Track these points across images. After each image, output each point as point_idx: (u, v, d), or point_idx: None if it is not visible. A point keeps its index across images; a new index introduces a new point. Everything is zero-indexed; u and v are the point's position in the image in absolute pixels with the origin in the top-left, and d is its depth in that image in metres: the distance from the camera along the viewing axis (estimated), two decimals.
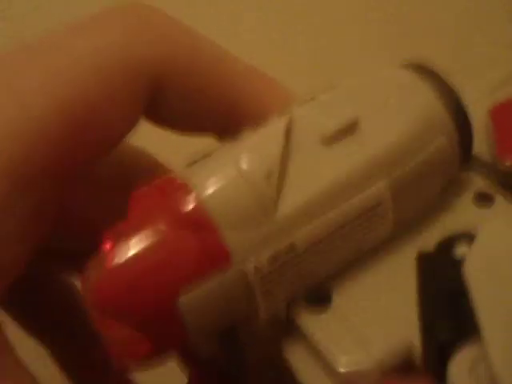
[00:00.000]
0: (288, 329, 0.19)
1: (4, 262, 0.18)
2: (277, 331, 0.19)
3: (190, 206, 0.17)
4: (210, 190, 0.17)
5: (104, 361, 0.24)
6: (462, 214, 0.20)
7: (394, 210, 0.19)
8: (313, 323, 0.19)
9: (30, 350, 0.20)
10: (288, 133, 0.19)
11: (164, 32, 0.20)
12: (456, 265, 0.18)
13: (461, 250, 0.19)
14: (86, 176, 0.20)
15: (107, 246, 0.17)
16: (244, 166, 0.18)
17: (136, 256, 0.17)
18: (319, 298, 0.19)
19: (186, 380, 0.22)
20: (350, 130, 0.19)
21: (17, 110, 0.18)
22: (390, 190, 0.19)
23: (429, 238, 0.20)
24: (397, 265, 0.19)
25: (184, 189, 0.18)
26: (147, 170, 0.23)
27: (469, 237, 0.19)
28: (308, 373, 0.18)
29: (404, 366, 0.18)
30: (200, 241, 0.17)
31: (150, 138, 0.24)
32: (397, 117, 0.19)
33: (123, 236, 0.17)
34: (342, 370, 0.18)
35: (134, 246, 0.17)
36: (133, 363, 0.18)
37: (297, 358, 0.19)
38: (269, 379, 0.21)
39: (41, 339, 0.25)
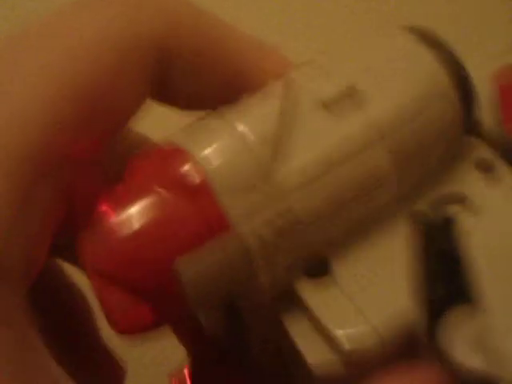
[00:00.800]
0: (288, 300, 0.19)
1: (31, 253, 0.18)
2: (277, 302, 0.19)
3: (187, 171, 0.17)
4: (207, 155, 0.17)
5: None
6: (463, 179, 0.20)
7: (394, 175, 0.19)
8: (311, 291, 0.18)
9: None
10: (286, 96, 0.18)
11: (166, 6, 0.20)
12: (449, 224, 0.17)
13: (454, 209, 0.19)
14: (94, 164, 0.20)
15: (103, 207, 0.17)
16: (241, 130, 0.18)
17: (133, 219, 0.17)
18: (317, 266, 0.19)
19: (185, 357, 0.22)
20: (349, 94, 0.18)
21: (29, 94, 0.18)
22: (391, 155, 0.19)
23: (427, 203, 0.19)
24: (397, 232, 0.19)
25: (181, 154, 0.17)
26: None
27: (463, 198, 0.19)
28: (307, 342, 0.18)
29: (405, 337, 0.18)
30: (197, 206, 0.17)
31: (155, 126, 0.24)
32: (397, 81, 0.19)
33: (121, 200, 0.17)
34: (339, 335, 0.18)
35: (131, 210, 0.17)
36: (128, 330, 0.17)
37: (296, 328, 0.19)
38: (271, 354, 0.20)
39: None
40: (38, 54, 0.18)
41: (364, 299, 0.18)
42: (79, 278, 0.24)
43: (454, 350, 0.16)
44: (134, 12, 0.19)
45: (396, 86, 0.19)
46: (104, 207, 0.17)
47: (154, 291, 0.17)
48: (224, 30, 0.21)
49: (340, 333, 0.18)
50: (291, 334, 0.19)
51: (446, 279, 0.17)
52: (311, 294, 0.18)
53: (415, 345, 0.18)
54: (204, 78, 0.20)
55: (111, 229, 0.17)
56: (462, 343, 0.16)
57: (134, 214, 0.17)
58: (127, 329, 0.17)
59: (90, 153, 0.19)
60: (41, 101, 0.17)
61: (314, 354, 0.18)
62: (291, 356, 0.19)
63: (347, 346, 0.17)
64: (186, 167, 0.17)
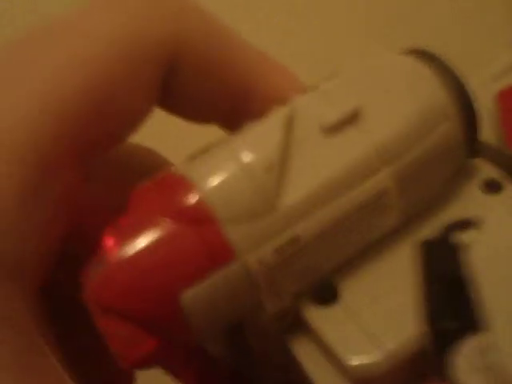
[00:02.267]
0: (295, 325, 0.19)
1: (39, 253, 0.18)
2: (284, 327, 0.19)
3: (191, 202, 0.17)
4: (211, 185, 0.17)
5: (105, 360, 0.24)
6: (470, 201, 0.20)
7: (399, 200, 0.19)
8: (320, 319, 0.18)
9: None
10: (289, 123, 0.18)
11: (177, 11, 0.20)
12: (458, 251, 0.17)
13: (464, 236, 0.18)
14: (94, 172, 0.20)
15: (109, 242, 0.17)
16: (244, 158, 0.17)
17: (138, 253, 0.17)
18: (326, 293, 0.19)
19: None
20: (351, 119, 0.18)
21: (44, 88, 0.17)
22: (395, 180, 0.18)
23: (436, 228, 0.19)
24: (404, 256, 0.19)
25: (184, 183, 0.17)
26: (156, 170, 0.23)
27: (472, 223, 0.19)
28: (317, 369, 0.18)
29: (417, 360, 0.18)
30: (202, 236, 0.17)
31: (158, 137, 0.23)
32: (400, 104, 0.19)
33: (124, 233, 0.17)
34: (352, 363, 0.17)
35: (135, 244, 0.17)
36: (136, 362, 0.17)
37: (305, 355, 0.19)
38: (278, 377, 0.20)
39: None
40: (47, 56, 0.18)
41: (374, 324, 0.18)
42: None
43: (462, 376, 0.16)
44: (144, 16, 0.19)
45: (399, 109, 0.19)
46: (107, 241, 0.17)
47: (159, 323, 0.17)
48: (234, 40, 0.21)
49: (350, 360, 0.17)
50: (301, 361, 0.18)
51: (454, 308, 0.17)
52: (320, 320, 0.18)
53: (424, 369, 0.17)
54: (210, 87, 0.20)
55: (115, 262, 0.17)
56: (470, 370, 0.16)
57: (137, 246, 0.17)
58: (135, 362, 0.17)
59: (94, 156, 0.19)
60: (47, 102, 0.17)
61: (323, 378, 0.18)
62: (300, 382, 0.19)
63: (357, 370, 0.17)
64: (190, 197, 0.17)
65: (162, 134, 0.25)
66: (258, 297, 0.18)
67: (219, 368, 0.21)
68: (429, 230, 0.19)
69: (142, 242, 0.17)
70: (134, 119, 0.20)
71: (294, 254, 0.18)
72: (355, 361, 0.17)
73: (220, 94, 0.20)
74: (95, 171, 0.20)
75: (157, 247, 0.17)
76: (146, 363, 0.17)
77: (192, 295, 0.17)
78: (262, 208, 0.17)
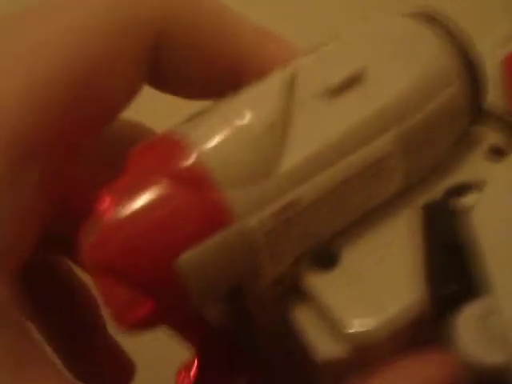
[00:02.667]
0: (293, 290, 0.19)
1: (19, 237, 0.17)
2: (281, 293, 0.19)
3: (189, 163, 0.17)
4: (209, 146, 0.17)
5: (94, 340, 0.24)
6: (474, 167, 0.20)
7: (401, 165, 0.18)
8: (320, 283, 0.18)
9: None
10: (290, 84, 0.18)
11: None
12: (459, 215, 0.17)
13: (466, 200, 0.18)
14: (86, 151, 0.20)
15: (105, 202, 0.17)
16: (245, 119, 0.17)
17: (134, 214, 0.16)
18: (326, 257, 0.18)
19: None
20: (354, 81, 0.18)
21: (17, 75, 0.17)
22: (397, 144, 0.18)
23: (438, 193, 0.19)
24: (405, 221, 0.19)
25: (182, 145, 0.17)
26: None
27: (474, 187, 0.18)
28: (315, 335, 0.18)
29: (417, 326, 0.18)
30: (200, 198, 0.16)
31: (149, 112, 0.23)
32: (404, 66, 0.18)
33: (121, 193, 0.17)
34: (351, 328, 0.17)
35: (132, 204, 0.17)
36: (132, 325, 0.17)
37: (303, 321, 0.18)
38: (278, 346, 0.20)
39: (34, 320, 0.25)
40: (29, 35, 0.18)
41: (373, 289, 0.18)
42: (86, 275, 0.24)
43: (464, 342, 0.16)
44: None
45: (402, 72, 0.18)
46: (105, 202, 0.17)
47: (155, 285, 0.17)
48: (224, 14, 0.20)
49: (349, 321, 0.17)
50: (298, 324, 0.18)
51: (455, 273, 0.17)
52: (319, 285, 0.18)
53: (424, 336, 0.17)
54: (203, 63, 0.20)
55: (112, 222, 0.17)
56: (472, 334, 0.16)
57: (135, 207, 0.17)
58: (131, 324, 0.17)
59: (83, 137, 0.19)
60: (30, 82, 0.17)
61: (322, 343, 0.18)
62: (298, 348, 0.19)
63: (356, 336, 0.17)
64: (188, 159, 0.17)
65: (153, 108, 0.24)
66: (256, 261, 0.17)
67: (218, 336, 0.20)
68: (431, 195, 0.19)
69: (139, 201, 0.17)
70: (122, 98, 0.19)
71: (294, 218, 0.17)
72: (355, 326, 0.17)
73: (212, 68, 0.20)
74: (85, 148, 0.20)
75: (154, 208, 0.16)
76: (142, 326, 0.17)
77: (189, 258, 0.16)
78: (262, 170, 0.17)
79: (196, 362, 0.21)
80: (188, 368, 0.21)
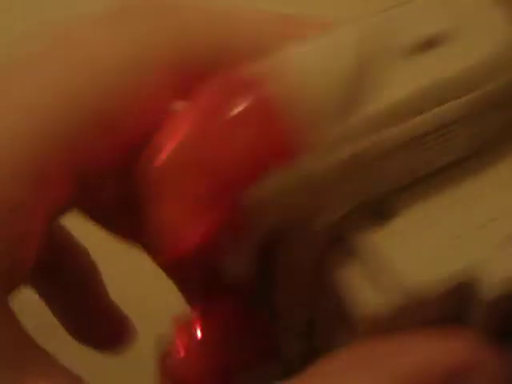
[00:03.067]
0: (337, 243, 0.19)
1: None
2: (328, 243, 0.19)
3: (267, 93, 0.17)
4: (289, 80, 0.17)
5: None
6: None
7: (470, 129, 0.19)
8: (375, 236, 0.18)
9: None
10: (372, 37, 0.18)
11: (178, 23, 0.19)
12: None
13: None
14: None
15: (172, 126, 0.17)
16: (325, 60, 0.17)
17: (201, 141, 0.17)
18: (382, 211, 0.19)
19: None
20: (434, 42, 0.18)
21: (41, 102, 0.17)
22: (469, 109, 0.18)
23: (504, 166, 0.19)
24: (470, 189, 0.19)
25: (261, 77, 0.17)
26: None
27: None
28: (363, 287, 0.18)
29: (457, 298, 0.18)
30: (273, 130, 0.16)
31: None
32: (487, 31, 0.18)
33: (189, 116, 0.17)
34: (406, 282, 0.17)
35: (202, 127, 0.17)
36: (183, 250, 0.17)
37: (349, 273, 0.18)
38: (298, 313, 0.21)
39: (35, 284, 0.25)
40: (47, 67, 0.18)
41: (429, 248, 0.18)
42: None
43: None
44: (148, 39, 0.19)
45: (486, 37, 0.18)
46: (169, 127, 0.17)
47: (214, 211, 0.16)
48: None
49: (406, 273, 0.17)
50: (342, 278, 0.18)
51: None
52: (375, 236, 0.18)
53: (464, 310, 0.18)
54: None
55: (181, 141, 0.17)
56: None
57: (202, 135, 0.17)
58: (181, 251, 0.17)
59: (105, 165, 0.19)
60: (47, 111, 0.17)
61: (371, 296, 0.18)
62: (334, 306, 0.19)
63: (412, 288, 0.17)
64: (268, 88, 0.17)
65: None
66: (317, 203, 0.17)
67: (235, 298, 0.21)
68: (496, 167, 0.19)
69: (210, 127, 0.17)
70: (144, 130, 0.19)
71: (362, 166, 0.17)
72: (411, 278, 0.17)
73: None
74: None
75: (224, 133, 0.16)
76: (190, 253, 0.17)
77: (254, 189, 0.16)
78: (339, 112, 0.17)
79: (200, 321, 0.21)
80: (189, 327, 0.21)
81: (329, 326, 0.19)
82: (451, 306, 0.18)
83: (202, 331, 0.21)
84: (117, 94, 0.18)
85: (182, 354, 0.21)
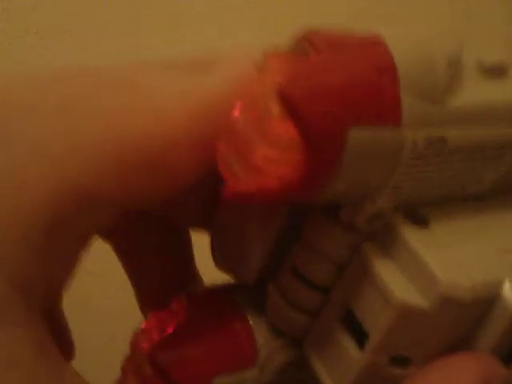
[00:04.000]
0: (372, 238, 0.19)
1: None
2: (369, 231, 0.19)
3: (381, 53, 0.17)
4: (403, 48, 0.17)
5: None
6: None
7: None
8: (413, 236, 0.18)
9: None
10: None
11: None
12: None
13: None
14: None
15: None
16: (433, 45, 0.18)
17: (325, 73, 0.16)
18: (420, 216, 0.19)
19: None
20: (499, 70, 0.19)
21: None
22: None
23: None
24: (502, 217, 0.20)
25: (378, 40, 0.17)
26: None
27: None
28: (396, 281, 0.18)
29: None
30: (382, 86, 0.17)
31: None
32: None
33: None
34: (440, 285, 0.17)
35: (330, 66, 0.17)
36: (280, 184, 0.16)
37: (380, 267, 0.18)
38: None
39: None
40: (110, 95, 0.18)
41: (462, 256, 0.18)
42: None
43: None
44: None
45: None
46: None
47: (321, 143, 0.16)
48: None
49: (440, 276, 0.17)
50: (376, 266, 0.18)
51: None
52: (411, 234, 0.18)
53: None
54: None
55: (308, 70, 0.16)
56: None
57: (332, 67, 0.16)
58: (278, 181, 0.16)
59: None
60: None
61: (401, 290, 0.18)
62: (361, 292, 0.18)
63: (442, 288, 0.17)
64: (380, 49, 0.17)
65: None
66: (389, 175, 0.17)
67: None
68: None
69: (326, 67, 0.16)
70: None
71: (435, 156, 0.18)
72: (445, 276, 0.17)
73: None
74: None
75: (341, 75, 0.16)
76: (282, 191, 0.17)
77: (359, 134, 0.16)
78: (435, 94, 0.17)
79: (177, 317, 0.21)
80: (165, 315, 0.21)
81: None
82: (474, 317, 0.18)
83: (178, 322, 0.21)
84: (177, 141, 0.18)
85: (156, 338, 0.20)
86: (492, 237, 0.19)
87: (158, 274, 0.25)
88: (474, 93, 0.18)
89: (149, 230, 0.24)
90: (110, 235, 0.24)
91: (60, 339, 0.24)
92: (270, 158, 0.16)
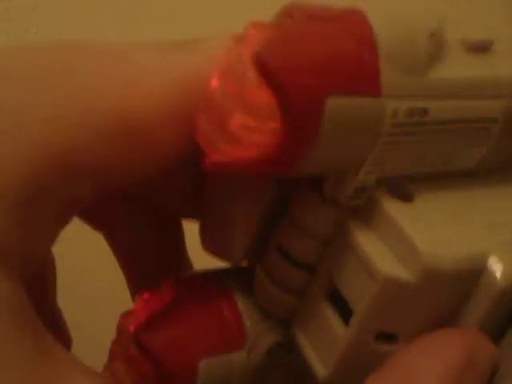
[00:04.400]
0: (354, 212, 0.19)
1: None
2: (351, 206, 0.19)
3: (359, 23, 0.17)
4: (384, 20, 0.17)
5: None
6: None
7: (499, 135, 0.19)
8: (396, 210, 0.18)
9: None
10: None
11: None
12: None
13: None
14: None
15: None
16: (414, 19, 0.18)
17: (310, 39, 0.16)
18: (403, 190, 0.19)
19: None
20: (487, 46, 0.19)
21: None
22: (505, 111, 0.19)
23: None
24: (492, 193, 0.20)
25: (357, 13, 0.17)
26: None
27: None
28: (380, 255, 0.18)
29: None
30: (361, 54, 0.16)
31: None
32: None
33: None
34: (423, 255, 0.17)
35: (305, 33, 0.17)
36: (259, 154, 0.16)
37: (363, 240, 0.18)
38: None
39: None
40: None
41: (446, 230, 0.18)
42: None
43: None
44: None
45: None
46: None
47: (300, 111, 0.16)
48: None
49: (424, 248, 0.17)
50: (359, 241, 0.18)
51: None
52: (394, 208, 0.18)
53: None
54: None
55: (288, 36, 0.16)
56: None
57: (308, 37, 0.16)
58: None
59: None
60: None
61: (384, 263, 0.17)
62: (345, 267, 0.18)
63: (424, 259, 0.17)
64: (359, 20, 0.17)
65: None
66: (370, 146, 0.17)
67: None
68: None
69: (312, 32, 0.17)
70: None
71: (416, 126, 0.18)
72: (429, 253, 0.17)
73: None
74: None
75: (323, 42, 0.16)
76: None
77: (337, 101, 0.16)
78: (415, 66, 0.17)
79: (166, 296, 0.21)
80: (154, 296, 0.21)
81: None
82: (460, 292, 0.18)
83: (165, 304, 0.21)
84: (158, 115, 0.18)
85: (142, 319, 0.20)
86: (480, 212, 0.19)
87: (149, 263, 0.25)
88: (457, 67, 0.18)
89: (140, 220, 0.24)
90: (102, 225, 0.24)
91: (55, 330, 0.24)
92: (248, 126, 0.16)
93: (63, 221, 0.18)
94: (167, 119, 0.18)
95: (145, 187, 0.22)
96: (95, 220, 0.24)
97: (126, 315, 0.21)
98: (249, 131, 0.16)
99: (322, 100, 0.16)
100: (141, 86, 0.18)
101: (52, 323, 0.24)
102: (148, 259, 0.25)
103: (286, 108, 0.16)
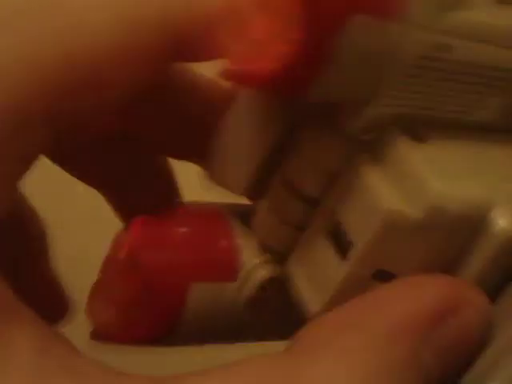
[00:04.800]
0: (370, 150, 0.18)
1: None
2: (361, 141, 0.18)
3: None
4: None
5: None
6: None
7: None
8: (407, 148, 0.18)
9: None
10: None
11: None
12: None
13: None
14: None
15: None
16: None
17: None
18: (416, 131, 0.18)
19: None
20: None
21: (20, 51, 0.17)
22: None
23: None
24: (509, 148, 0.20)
25: None
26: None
27: None
28: (385, 191, 0.17)
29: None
30: None
31: None
32: None
33: None
34: (430, 192, 0.17)
35: None
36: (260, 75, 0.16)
37: (372, 178, 0.18)
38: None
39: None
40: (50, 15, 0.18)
41: (458, 172, 0.18)
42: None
43: None
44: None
45: None
46: None
47: (317, 20, 0.16)
48: None
49: (430, 181, 0.17)
50: (367, 176, 0.18)
51: None
52: (406, 146, 0.18)
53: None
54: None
55: None
56: None
57: None
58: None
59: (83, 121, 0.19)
60: (32, 60, 0.17)
61: (390, 197, 0.17)
62: (350, 201, 0.18)
63: (432, 196, 0.17)
64: None
65: None
66: (389, 77, 0.17)
67: None
68: None
69: None
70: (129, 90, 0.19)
71: (438, 63, 0.17)
72: (436, 186, 0.17)
73: None
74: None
75: None
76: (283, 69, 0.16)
77: (361, 21, 0.16)
78: (445, 1, 0.17)
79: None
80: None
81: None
82: (461, 240, 0.18)
83: (162, 228, 0.21)
84: (105, 54, 0.18)
85: (138, 237, 0.20)
86: (493, 165, 0.19)
87: (138, 200, 0.25)
88: (486, 13, 0.18)
89: (120, 157, 0.24)
90: (79, 166, 0.24)
91: (50, 294, 0.24)
92: (269, 31, 0.16)
93: (24, 169, 0.18)
94: (117, 55, 0.18)
95: (126, 124, 0.22)
96: (80, 167, 0.24)
97: (122, 233, 0.21)
98: (270, 35, 0.16)
99: (348, 16, 0.16)
100: (86, 25, 0.18)
101: (47, 287, 0.24)
102: (135, 195, 0.25)
103: (309, 17, 0.15)
